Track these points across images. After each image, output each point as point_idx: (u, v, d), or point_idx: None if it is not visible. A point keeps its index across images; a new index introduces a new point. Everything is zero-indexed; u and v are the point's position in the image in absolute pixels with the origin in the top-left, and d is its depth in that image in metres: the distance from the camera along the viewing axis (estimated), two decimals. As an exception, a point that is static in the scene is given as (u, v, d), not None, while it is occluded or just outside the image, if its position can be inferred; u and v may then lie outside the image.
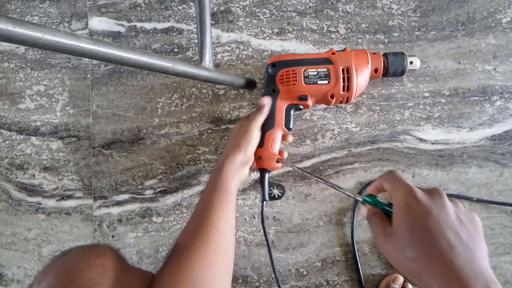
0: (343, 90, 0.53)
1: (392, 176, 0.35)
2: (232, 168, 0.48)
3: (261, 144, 0.54)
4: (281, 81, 0.54)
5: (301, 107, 0.55)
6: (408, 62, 0.55)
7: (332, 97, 0.53)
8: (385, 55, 0.55)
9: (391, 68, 0.55)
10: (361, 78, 0.53)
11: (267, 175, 0.54)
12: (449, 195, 0.37)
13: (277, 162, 0.53)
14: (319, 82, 0.53)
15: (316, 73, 0.53)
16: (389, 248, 0.32)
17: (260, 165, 0.54)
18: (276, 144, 0.55)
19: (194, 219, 0.45)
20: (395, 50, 0.61)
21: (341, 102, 0.54)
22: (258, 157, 0.54)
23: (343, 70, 0.52)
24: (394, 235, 0.32)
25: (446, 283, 0.28)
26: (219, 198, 0.45)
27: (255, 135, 0.51)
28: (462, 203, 0.59)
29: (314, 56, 0.54)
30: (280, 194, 0.55)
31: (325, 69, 0.53)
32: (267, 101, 0.54)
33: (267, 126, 0.54)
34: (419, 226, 0.31)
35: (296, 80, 0.53)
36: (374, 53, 0.55)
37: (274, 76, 0.54)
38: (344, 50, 0.54)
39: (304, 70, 0.53)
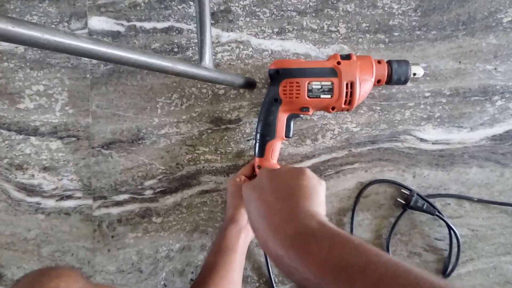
0: (345, 104, 0.52)
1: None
2: (234, 230, 0.51)
3: (261, 154, 0.54)
4: (284, 92, 0.53)
5: (302, 116, 0.55)
6: (412, 73, 0.54)
7: (333, 109, 0.53)
8: (389, 62, 0.54)
9: (395, 77, 0.54)
10: (364, 91, 0.53)
11: None
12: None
13: None
14: (322, 96, 0.52)
15: (320, 87, 0.52)
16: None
17: None
18: (276, 154, 0.55)
19: (201, 275, 0.48)
20: (395, 50, 0.61)
21: (341, 110, 0.54)
22: (258, 166, 0.55)
23: (347, 84, 0.52)
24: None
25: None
26: (222, 259, 0.48)
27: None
28: (462, 204, 0.59)
29: (318, 65, 0.53)
30: None
31: (329, 83, 0.52)
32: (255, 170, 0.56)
33: (268, 137, 0.54)
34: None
35: (299, 94, 0.52)
36: (379, 62, 0.54)
37: (278, 85, 0.53)
38: (349, 57, 0.53)
39: (308, 83, 0.52)
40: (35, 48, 0.64)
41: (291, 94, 0.53)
